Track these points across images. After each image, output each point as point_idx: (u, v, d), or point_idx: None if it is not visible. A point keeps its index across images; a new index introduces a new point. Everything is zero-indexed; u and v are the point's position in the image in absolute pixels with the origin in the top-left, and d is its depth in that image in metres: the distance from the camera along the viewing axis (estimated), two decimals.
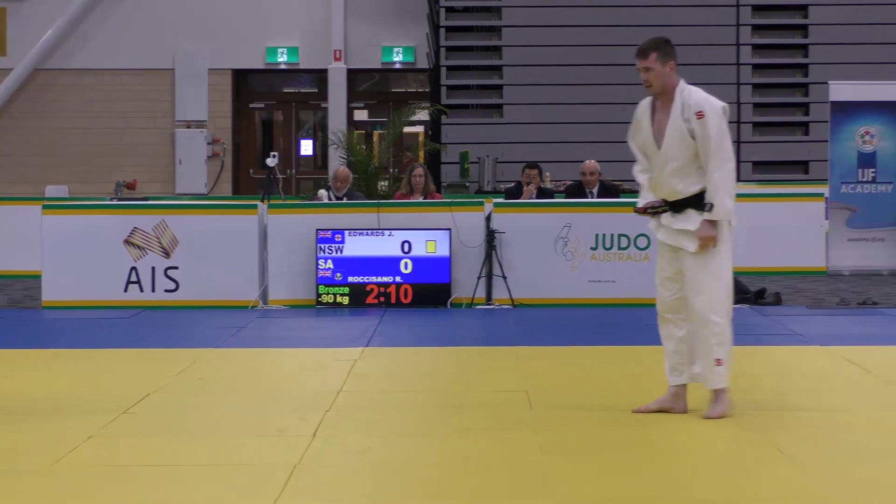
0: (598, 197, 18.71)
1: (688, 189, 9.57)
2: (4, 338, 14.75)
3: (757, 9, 32.45)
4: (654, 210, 9.73)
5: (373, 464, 8.57)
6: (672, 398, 9.90)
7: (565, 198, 19.55)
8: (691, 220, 9.57)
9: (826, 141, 22.14)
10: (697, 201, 9.56)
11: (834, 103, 21.60)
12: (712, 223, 9.52)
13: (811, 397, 10.89)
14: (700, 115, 9.49)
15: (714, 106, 9.56)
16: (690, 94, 9.60)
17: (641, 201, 9.87)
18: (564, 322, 15.54)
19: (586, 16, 31.27)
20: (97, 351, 13.64)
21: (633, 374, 11.21)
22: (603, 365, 12.60)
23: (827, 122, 22.02)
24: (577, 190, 19.57)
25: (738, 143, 31.63)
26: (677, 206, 9.63)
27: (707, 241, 9.53)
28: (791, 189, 25.17)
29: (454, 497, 7.63)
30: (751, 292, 17.24)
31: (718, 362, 9.61)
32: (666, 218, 9.71)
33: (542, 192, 20.31)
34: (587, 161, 19.83)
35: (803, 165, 31.06)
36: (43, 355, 13.51)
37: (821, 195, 21.76)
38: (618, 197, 19.30)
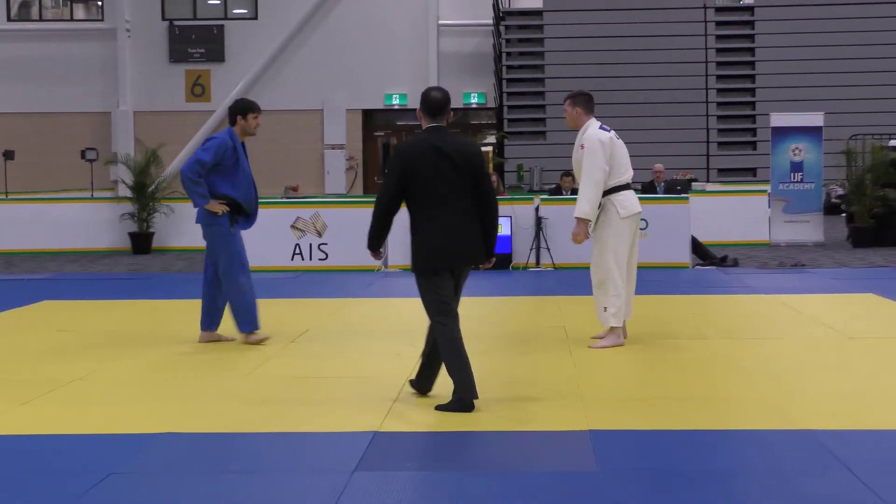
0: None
1: None
2: None
3: (720, 64, 32.31)
4: None
5: None
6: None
7: None
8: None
9: (768, 154, 21.93)
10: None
11: (774, 128, 21.39)
12: (579, 221, 9.44)
13: (760, 330, 10.81)
14: (582, 146, 9.41)
15: (593, 141, 9.35)
16: (586, 130, 9.48)
17: None
18: (589, 279, 15.46)
19: (606, 70, 31.17)
20: (273, 300, 13.72)
21: (639, 314, 11.15)
22: None
23: (769, 141, 21.81)
24: None
25: (707, 156, 31.52)
26: None
27: (574, 235, 9.53)
28: (744, 187, 25.06)
29: (516, 393, 7.63)
30: (717, 258, 17.12)
31: (605, 309, 9.54)
32: None
33: (574, 192, 20.24)
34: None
35: (753, 171, 30.86)
36: None
37: (765, 191, 21.63)
38: None
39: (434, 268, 7.36)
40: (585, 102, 9.59)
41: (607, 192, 9.44)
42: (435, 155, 7.22)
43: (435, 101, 7.32)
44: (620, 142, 9.59)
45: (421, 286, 7.41)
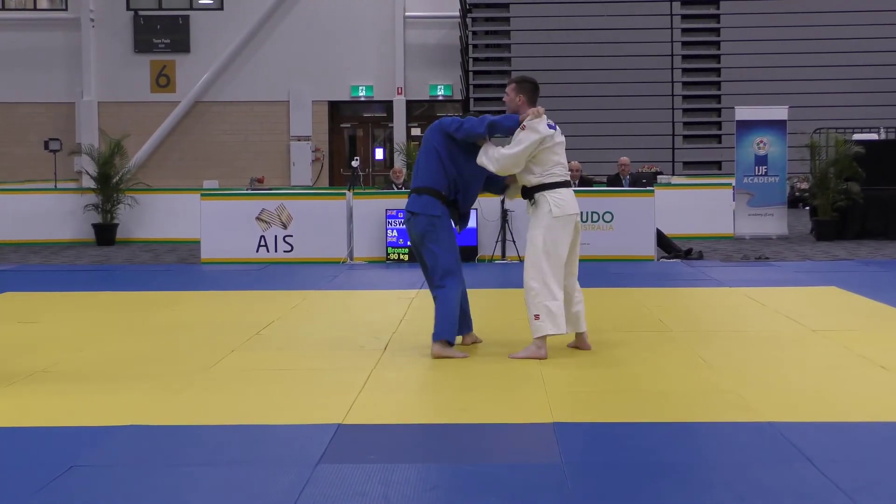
0: (579, 187, 18.60)
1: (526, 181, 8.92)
2: (176, 282, 14.79)
3: (686, 57, 32.43)
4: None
5: (423, 367, 8.58)
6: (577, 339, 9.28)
7: None
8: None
9: (733, 147, 22.03)
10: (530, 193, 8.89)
11: (738, 122, 21.49)
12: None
13: (724, 323, 10.85)
14: (523, 127, 8.66)
15: (535, 126, 8.61)
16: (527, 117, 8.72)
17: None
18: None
19: (573, 63, 31.23)
20: (238, 292, 13.67)
21: (604, 307, 11.15)
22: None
23: (734, 134, 21.90)
24: None
25: (672, 149, 31.62)
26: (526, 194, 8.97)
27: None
28: (709, 180, 25.17)
29: (480, 385, 7.63)
30: (682, 251, 17.19)
31: (536, 317, 8.77)
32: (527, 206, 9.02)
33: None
34: (572, 162, 19.62)
35: (718, 164, 31.01)
36: (202, 295, 13.55)
37: (730, 184, 21.74)
38: (591, 187, 19.24)
39: None
40: (530, 91, 8.90)
41: (542, 188, 8.78)
42: None
43: None
44: (563, 138, 8.92)
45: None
